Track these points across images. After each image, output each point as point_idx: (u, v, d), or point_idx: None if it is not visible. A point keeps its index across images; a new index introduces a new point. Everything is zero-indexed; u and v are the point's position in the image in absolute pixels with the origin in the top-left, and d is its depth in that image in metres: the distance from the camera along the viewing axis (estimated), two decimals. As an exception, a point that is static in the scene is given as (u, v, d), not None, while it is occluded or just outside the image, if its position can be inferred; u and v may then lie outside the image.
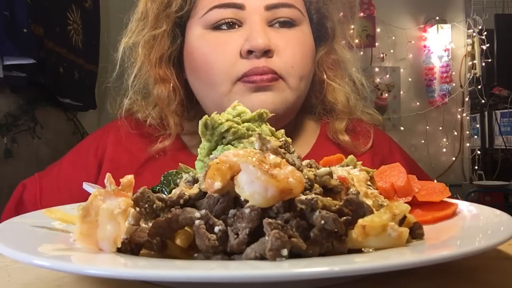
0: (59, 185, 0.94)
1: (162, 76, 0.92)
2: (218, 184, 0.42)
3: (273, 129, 0.62)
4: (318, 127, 1.02)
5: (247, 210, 0.41)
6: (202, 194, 0.46)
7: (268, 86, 0.84)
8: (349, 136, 0.97)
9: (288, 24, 0.89)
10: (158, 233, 0.43)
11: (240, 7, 0.86)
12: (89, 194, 0.46)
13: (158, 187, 0.62)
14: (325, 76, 0.97)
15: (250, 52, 0.84)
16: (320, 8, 0.97)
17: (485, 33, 4.16)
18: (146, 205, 0.45)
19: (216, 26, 0.87)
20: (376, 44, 4.17)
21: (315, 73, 0.97)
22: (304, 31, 0.91)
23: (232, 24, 0.87)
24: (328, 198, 0.44)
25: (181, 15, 0.91)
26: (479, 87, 4.22)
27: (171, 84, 0.92)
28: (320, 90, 0.99)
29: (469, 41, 4.31)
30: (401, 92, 4.31)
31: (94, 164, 0.94)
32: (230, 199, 0.44)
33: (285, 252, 0.38)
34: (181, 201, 0.45)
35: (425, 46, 4.32)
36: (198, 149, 0.62)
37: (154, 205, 0.45)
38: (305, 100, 0.98)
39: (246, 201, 0.42)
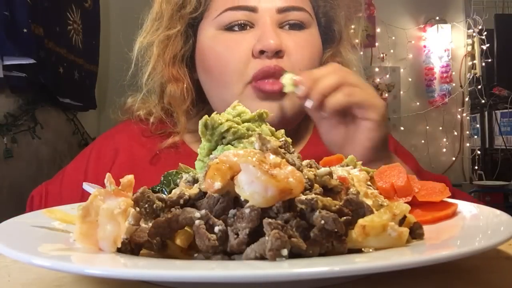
0: (62, 191, 0.95)
1: (175, 75, 0.95)
2: (218, 184, 0.42)
3: (273, 129, 0.62)
4: (312, 125, 1.03)
5: (247, 210, 0.41)
6: (202, 194, 0.46)
7: (278, 95, 0.86)
8: None
9: (297, 26, 0.91)
10: (158, 233, 0.43)
11: (252, 9, 0.88)
12: (89, 194, 0.47)
13: (158, 187, 0.62)
14: None
15: (262, 52, 0.86)
16: (327, 12, 0.98)
17: (485, 33, 4.16)
18: (146, 205, 0.45)
19: (229, 27, 0.90)
20: (376, 44, 4.18)
21: None
22: (312, 34, 0.93)
23: (244, 26, 0.89)
24: (328, 198, 0.44)
25: (195, 16, 0.94)
26: (479, 87, 4.23)
27: (184, 84, 0.95)
28: None
29: (469, 41, 4.31)
30: (401, 92, 4.31)
31: (99, 169, 0.95)
32: (230, 199, 0.44)
33: (285, 252, 0.38)
34: (181, 201, 0.45)
35: (425, 46, 4.32)
36: (198, 149, 0.62)
37: (154, 205, 0.45)
38: None
39: (246, 201, 0.42)
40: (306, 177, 0.45)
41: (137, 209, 0.45)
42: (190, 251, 0.44)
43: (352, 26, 1.04)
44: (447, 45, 4.27)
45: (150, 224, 0.44)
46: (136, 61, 0.96)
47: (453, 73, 4.31)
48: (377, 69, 4.21)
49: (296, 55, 0.89)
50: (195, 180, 0.51)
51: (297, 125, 1.00)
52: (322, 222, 0.40)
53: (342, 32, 0.99)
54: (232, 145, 0.58)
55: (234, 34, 0.90)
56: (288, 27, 0.90)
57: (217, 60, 0.90)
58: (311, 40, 0.92)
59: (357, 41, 1.05)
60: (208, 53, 0.92)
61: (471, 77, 4.29)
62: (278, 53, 0.86)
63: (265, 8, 0.88)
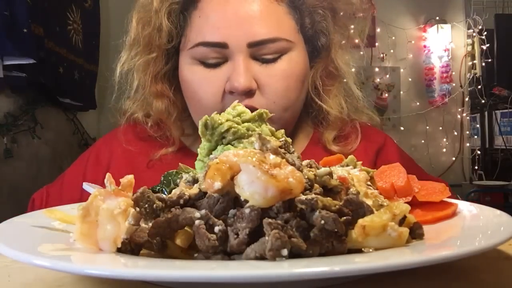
0: (62, 194, 0.96)
1: (159, 91, 0.95)
2: (218, 184, 0.42)
3: (273, 129, 0.62)
4: (311, 131, 1.02)
5: (247, 210, 0.41)
6: (202, 194, 0.46)
7: None
8: (339, 139, 0.98)
9: (272, 59, 0.88)
10: (158, 233, 0.43)
11: (223, 46, 0.86)
12: (89, 195, 0.47)
13: (158, 187, 0.62)
14: (320, 88, 0.97)
15: (232, 92, 0.85)
16: (314, 24, 0.96)
17: (485, 33, 4.16)
18: (146, 205, 0.45)
19: (202, 62, 0.89)
20: (376, 44, 4.18)
21: (311, 84, 0.97)
22: (292, 58, 0.90)
23: (216, 63, 0.88)
24: (328, 198, 0.44)
25: (171, 45, 0.93)
26: (479, 87, 4.22)
27: (168, 99, 0.95)
28: (317, 98, 0.98)
29: (469, 41, 4.31)
30: (401, 92, 4.31)
31: (96, 173, 0.95)
32: (230, 199, 0.44)
33: (285, 252, 0.38)
34: (181, 201, 0.45)
35: (425, 46, 4.32)
36: (198, 149, 0.62)
37: (154, 205, 0.45)
38: (304, 104, 0.99)
39: (246, 201, 0.42)
40: (306, 177, 0.45)
41: (137, 209, 0.45)
42: (190, 251, 0.44)
43: (352, 26, 1.02)
44: (447, 45, 4.27)
45: (150, 224, 0.44)
46: (120, 84, 0.96)
47: (453, 73, 4.31)
48: (377, 69, 4.21)
49: (270, 88, 0.87)
50: (195, 180, 0.51)
51: (294, 128, 1.00)
52: (322, 222, 0.40)
53: (330, 43, 0.96)
54: (232, 145, 0.58)
55: (208, 70, 0.88)
56: (262, 61, 0.87)
57: (193, 93, 0.90)
58: (289, 68, 0.89)
59: (357, 41, 1.03)
60: (186, 84, 0.92)
61: (471, 77, 4.29)
62: (249, 92, 0.85)
63: (235, 44, 0.85)
